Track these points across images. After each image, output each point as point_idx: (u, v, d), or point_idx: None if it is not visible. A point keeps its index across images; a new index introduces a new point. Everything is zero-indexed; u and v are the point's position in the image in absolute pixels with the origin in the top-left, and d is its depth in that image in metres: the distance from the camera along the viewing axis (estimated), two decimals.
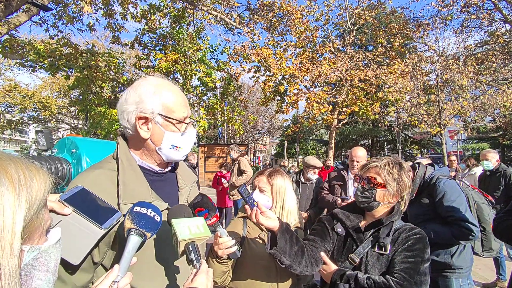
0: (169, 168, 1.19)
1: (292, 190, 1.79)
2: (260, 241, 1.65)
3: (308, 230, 2.50)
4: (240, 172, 6.08)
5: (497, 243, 2.30)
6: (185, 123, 1.10)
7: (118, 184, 1.01)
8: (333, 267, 1.47)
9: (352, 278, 1.36)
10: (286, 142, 32.63)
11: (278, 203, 1.71)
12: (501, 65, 13.27)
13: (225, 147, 18.78)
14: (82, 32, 10.20)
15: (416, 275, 1.33)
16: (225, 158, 17.99)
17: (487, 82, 13.44)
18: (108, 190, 1.00)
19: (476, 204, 2.33)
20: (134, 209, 0.85)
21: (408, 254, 1.37)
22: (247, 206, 1.26)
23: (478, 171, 6.12)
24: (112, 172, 1.04)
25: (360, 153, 3.41)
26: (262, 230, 1.67)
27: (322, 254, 1.49)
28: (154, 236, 0.89)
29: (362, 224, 1.54)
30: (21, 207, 0.48)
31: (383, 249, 1.41)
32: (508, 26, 12.77)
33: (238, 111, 14.90)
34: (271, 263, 1.58)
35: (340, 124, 16.86)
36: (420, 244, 1.40)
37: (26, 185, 0.50)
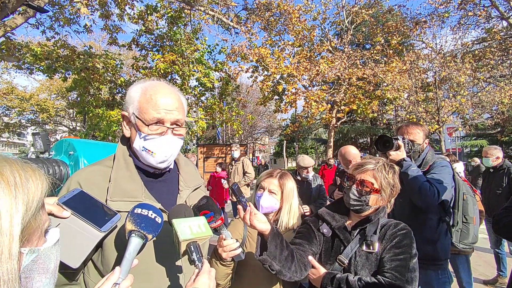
0: (168, 169, 1.17)
1: (296, 191, 1.80)
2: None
3: None
4: (244, 173, 6.07)
5: (475, 237, 2.34)
6: (146, 125, 1.02)
7: (110, 181, 1.01)
8: (322, 270, 1.43)
9: (343, 281, 1.32)
10: (285, 141, 32.64)
11: (287, 206, 1.71)
12: (499, 62, 13.31)
13: (224, 147, 18.74)
14: (79, 33, 10.18)
15: (407, 273, 1.31)
16: (224, 158, 17.96)
17: (484, 79, 13.48)
18: (99, 185, 1.00)
19: (465, 195, 2.38)
20: (135, 211, 0.85)
21: (397, 251, 1.35)
22: (240, 207, 1.23)
23: (458, 166, 6.31)
24: (107, 169, 1.05)
25: (354, 152, 3.27)
26: None
27: (310, 257, 1.45)
28: (154, 239, 0.88)
29: (348, 223, 1.51)
30: (18, 210, 0.47)
31: (371, 247, 1.38)
32: (505, 23, 12.81)
33: (237, 111, 14.89)
34: None
35: (338, 123, 16.87)
36: (407, 239, 1.38)
37: (23, 187, 0.49)
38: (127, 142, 1.13)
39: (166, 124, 1.04)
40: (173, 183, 1.19)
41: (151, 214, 0.86)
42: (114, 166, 1.05)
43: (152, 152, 1.03)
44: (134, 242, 0.81)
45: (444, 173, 2.16)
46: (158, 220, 0.87)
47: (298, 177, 4.12)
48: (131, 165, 1.08)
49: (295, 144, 30.83)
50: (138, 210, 0.85)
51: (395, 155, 2.13)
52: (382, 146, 2.16)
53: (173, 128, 1.06)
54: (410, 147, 2.25)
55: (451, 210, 2.29)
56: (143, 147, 1.03)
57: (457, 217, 2.33)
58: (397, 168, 1.52)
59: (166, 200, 1.10)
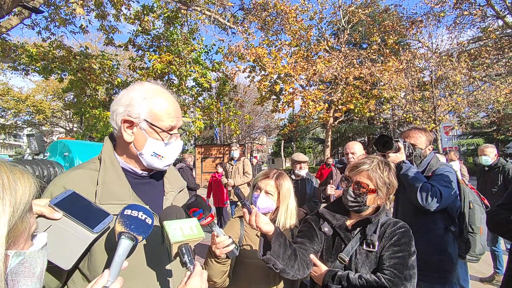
0: (154, 171, 1.17)
1: (293, 191, 1.80)
2: (258, 240, 1.65)
3: None
4: (244, 173, 6.08)
5: (482, 247, 2.20)
6: (169, 133, 1.07)
7: (98, 184, 1.00)
8: (323, 268, 1.46)
9: (344, 278, 1.35)
10: (282, 141, 32.68)
11: (284, 206, 1.72)
12: (494, 61, 13.41)
13: (222, 148, 18.73)
14: (75, 34, 10.18)
15: (405, 270, 1.34)
16: (222, 158, 17.94)
17: (480, 77, 13.57)
18: (87, 189, 0.99)
19: (471, 203, 2.24)
20: (125, 212, 0.83)
21: (396, 249, 1.38)
22: (245, 210, 1.24)
23: (455, 165, 6.67)
24: (93, 172, 1.04)
25: (356, 146, 3.25)
26: None
27: (312, 256, 1.47)
28: (144, 242, 0.87)
29: (349, 223, 1.54)
30: (5, 211, 0.47)
31: (371, 246, 1.41)
32: (500, 22, 12.89)
33: (234, 111, 14.87)
34: None
35: (336, 122, 16.92)
36: (406, 238, 1.41)
37: (10, 188, 0.49)
38: (114, 144, 1.12)
39: (176, 131, 1.10)
40: (159, 185, 1.19)
41: (141, 216, 0.85)
42: (101, 169, 1.04)
43: (162, 157, 1.07)
44: (124, 244, 0.80)
45: (447, 179, 2.08)
46: (149, 221, 0.86)
47: (293, 176, 4.12)
48: (118, 167, 1.08)
49: (293, 143, 30.88)
50: (128, 212, 0.84)
51: (394, 157, 2.09)
52: (382, 146, 2.13)
53: (180, 134, 1.12)
54: (410, 151, 2.19)
55: (456, 219, 2.19)
56: (154, 152, 1.06)
57: (462, 227, 2.21)
58: (392, 165, 1.53)
59: (153, 202, 1.09)
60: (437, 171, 2.16)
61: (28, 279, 0.53)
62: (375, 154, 2.08)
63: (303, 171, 4.10)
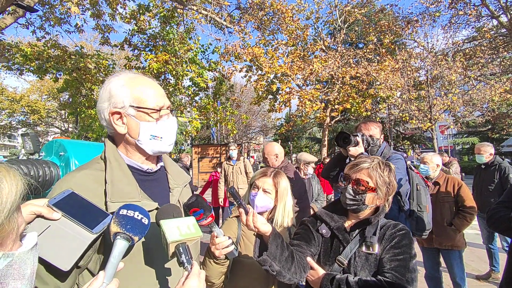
0: (159, 167, 1.16)
1: (290, 190, 1.80)
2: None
3: None
4: (246, 173, 6.05)
5: (428, 223, 2.50)
6: (157, 110, 1.05)
7: (106, 183, 0.98)
8: (321, 272, 1.41)
9: (343, 282, 1.30)
10: (279, 141, 32.68)
11: (281, 204, 1.71)
12: (489, 60, 13.52)
13: (219, 147, 18.69)
14: (70, 33, 10.05)
15: (407, 273, 1.29)
16: (218, 158, 17.90)
17: (475, 77, 13.68)
18: (94, 190, 0.96)
19: (418, 186, 2.53)
20: (120, 212, 0.82)
21: (396, 251, 1.34)
22: (241, 210, 1.22)
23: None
24: (99, 172, 1.01)
25: (273, 148, 3.41)
26: None
27: (309, 259, 1.43)
28: (143, 239, 0.86)
29: (348, 224, 1.50)
30: None
31: (371, 248, 1.37)
32: (495, 22, 13.00)
33: (231, 111, 14.84)
34: None
35: (332, 122, 16.94)
36: (406, 240, 1.37)
37: None
38: (114, 142, 1.10)
39: (165, 109, 1.09)
40: (163, 181, 1.17)
41: (137, 215, 0.83)
42: (107, 168, 1.02)
43: (160, 138, 1.06)
44: (120, 245, 0.78)
45: (399, 165, 2.30)
46: (145, 221, 0.84)
47: (301, 174, 4.12)
48: (124, 165, 1.06)
49: (289, 143, 30.89)
50: (124, 211, 0.82)
51: (354, 150, 2.23)
52: (342, 142, 2.27)
53: (171, 111, 1.12)
54: (369, 143, 2.38)
55: (407, 200, 2.47)
56: (151, 135, 1.05)
57: (412, 206, 2.50)
58: (393, 166, 1.50)
59: (160, 199, 1.07)
60: (390, 159, 2.39)
61: (18, 281, 0.51)
62: (365, 154, 2.18)
63: (311, 170, 4.18)
